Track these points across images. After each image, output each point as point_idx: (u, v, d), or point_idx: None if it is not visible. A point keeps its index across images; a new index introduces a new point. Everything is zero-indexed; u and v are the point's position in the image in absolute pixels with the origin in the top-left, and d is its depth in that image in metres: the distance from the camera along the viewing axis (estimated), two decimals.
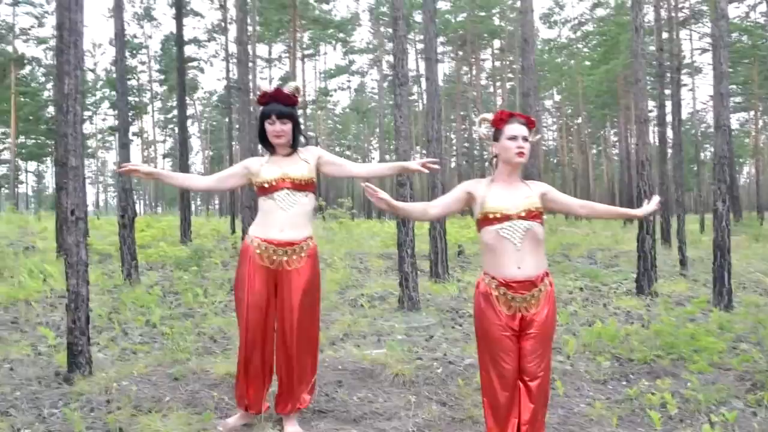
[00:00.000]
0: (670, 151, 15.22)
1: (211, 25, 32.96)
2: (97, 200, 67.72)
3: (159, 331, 6.09)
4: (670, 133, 14.77)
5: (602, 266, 11.94)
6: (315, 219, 3.81)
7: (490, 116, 3.19)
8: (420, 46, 37.38)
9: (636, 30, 8.26)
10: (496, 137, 3.10)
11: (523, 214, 2.97)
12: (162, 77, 43.38)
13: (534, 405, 3.07)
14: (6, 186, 45.66)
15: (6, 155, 45.25)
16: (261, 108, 3.66)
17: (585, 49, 37.76)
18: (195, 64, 36.49)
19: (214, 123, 56.83)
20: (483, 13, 37.52)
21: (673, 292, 8.68)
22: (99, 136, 57.12)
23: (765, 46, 30.07)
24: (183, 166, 14.76)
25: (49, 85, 36.88)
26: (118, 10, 8.58)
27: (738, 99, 39.69)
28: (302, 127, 3.81)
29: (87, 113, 47.03)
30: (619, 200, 36.09)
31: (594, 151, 53.23)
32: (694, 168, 37.96)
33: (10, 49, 35.59)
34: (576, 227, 23.16)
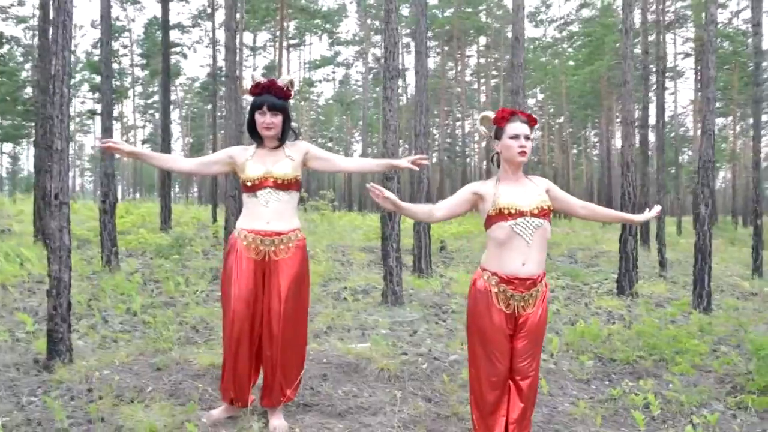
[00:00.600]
0: (649, 153, 15.38)
1: (196, 11, 32.50)
2: (73, 184, 66.79)
3: (140, 319, 6.01)
4: (651, 136, 14.94)
5: (583, 265, 12.04)
6: (297, 210, 3.75)
7: (492, 114, 3.17)
8: (406, 39, 37.32)
9: (626, 32, 8.30)
10: (497, 135, 3.08)
11: (536, 212, 2.97)
12: (144, 62, 42.76)
13: (524, 404, 3.08)
14: None
15: None
16: (253, 98, 3.60)
17: (569, 50, 37.97)
18: (178, 49, 35.99)
19: (195, 110, 56.21)
20: (470, 9, 37.52)
21: (653, 293, 8.77)
22: (77, 120, 56.21)
23: (745, 53, 30.45)
24: (165, 152, 14.56)
25: (28, 66, 36.13)
26: None
27: (718, 104, 40.27)
28: (293, 123, 3.75)
29: None
30: (597, 200, 36.38)
31: (574, 150, 53.62)
32: (672, 171, 38.45)
33: None
34: (556, 226, 23.32)
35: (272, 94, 3.54)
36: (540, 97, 51.17)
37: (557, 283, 9.29)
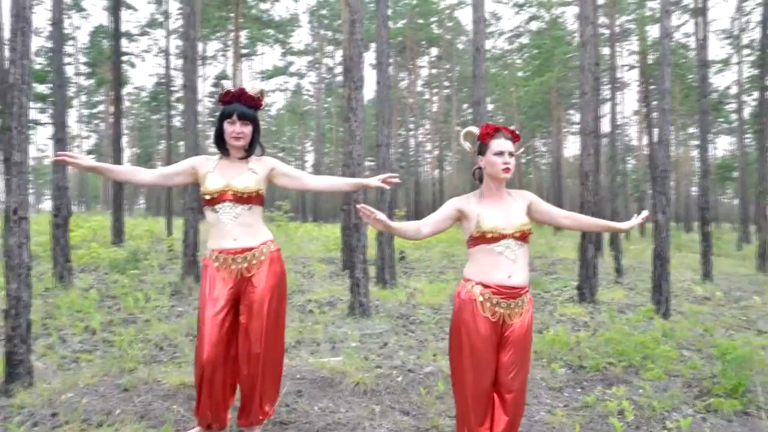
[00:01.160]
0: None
1: (144, 20, 31.83)
2: None
3: (100, 337, 5.78)
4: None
5: (541, 273, 12.21)
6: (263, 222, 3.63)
7: (476, 130, 3.16)
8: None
9: (583, 45, 8.50)
10: (481, 151, 3.07)
11: (517, 235, 2.97)
12: (89, 70, 41.58)
13: (508, 417, 3.06)
14: None
15: None
16: (222, 107, 3.49)
17: (518, 61, 38.72)
18: (125, 58, 35.14)
19: (143, 120, 54.96)
20: (422, 21, 37.87)
21: (613, 299, 8.95)
22: None
23: (686, 65, 31.68)
24: (116, 164, 14.11)
25: None
26: None
27: (657, 114, 41.69)
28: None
29: None
30: None
31: (523, 160, 54.69)
32: (617, 179, 39.54)
33: None
34: None
35: (242, 103, 3.43)
36: (490, 107, 52.02)
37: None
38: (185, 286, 8.38)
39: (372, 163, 29.00)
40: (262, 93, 3.55)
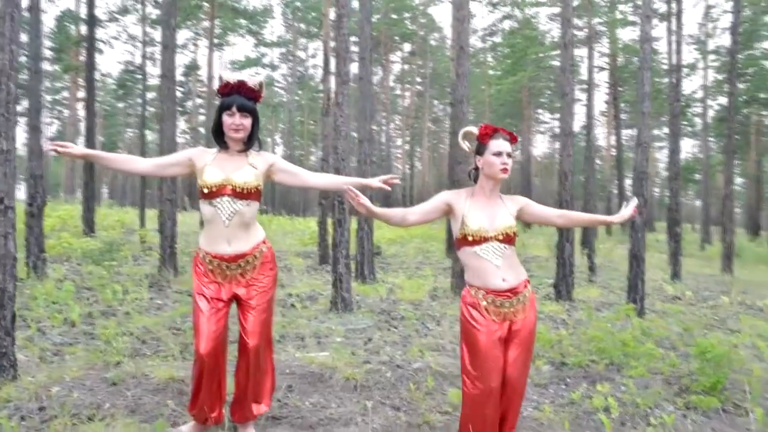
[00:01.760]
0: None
1: (115, 6, 31.17)
2: None
3: (81, 330, 5.67)
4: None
5: None
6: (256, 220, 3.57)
7: (475, 130, 3.19)
8: (333, 43, 37.21)
9: (565, 46, 8.62)
10: (479, 151, 3.11)
11: (500, 237, 3.02)
12: (54, 56, 40.54)
13: (512, 413, 3.14)
14: None
15: None
16: (221, 99, 3.44)
17: (490, 60, 39.01)
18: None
19: (108, 107, 53.85)
20: (395, 16, 37.86)
21: (588, 297, 9.11)
22: None
23: (653, 69, 32.27)
24: None
25: None
26: None
27: (624, 116, 42.45)
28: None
29: None
30: None
31: None
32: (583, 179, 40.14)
33: None
34: None
35: (242, 95, 3.38)
36: None
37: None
38: (163, 278, 8.26)
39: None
40: (261, 85, 3.50)
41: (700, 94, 33.24)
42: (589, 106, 15.29)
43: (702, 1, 30.81)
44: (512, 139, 3.15)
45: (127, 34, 32.39)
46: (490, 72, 37.84)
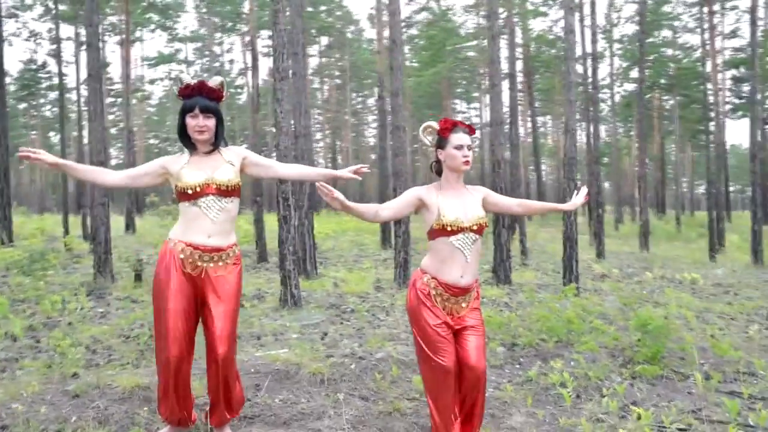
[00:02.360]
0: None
1: (13, 1, 29.32)
2: None
3: (25, 344, 5.42)
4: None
5: None
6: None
7: (435, 125, 3.31)
8: (248, 38, 36.56)
9: (493, 38, 8.89)
10: (440, 145, 3.23)
11: (474, 228, 3.16)
12: None
13: (481, 393, 3.27)
14: None
15: None
16: (183, 101, 3.41)
17: (407, 52, 39.46)
18: None
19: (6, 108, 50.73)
20: (311, 9, 37.61)
21: (525, 280, 9.48)
22: None
23: (564, 57, 33.55)
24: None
25: None
26: None
27: (538, 104, 44.06)
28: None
29: None
30: None
31: (410, 149, 55.87)
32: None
33: None
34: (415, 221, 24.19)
35: (204, 96, 3.36)
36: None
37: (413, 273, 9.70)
38: (100, 286, 7.97)
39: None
40: (222, 84, 3.49)
41: (607, 81, 34.91)
42: (513, 96, 15.79)
43: None
44: (471, 132, 3.28)
45: (28, 30, 30.49)
46: (407, 63, 38.27)
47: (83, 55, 34.82)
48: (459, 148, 3.16)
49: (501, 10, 23.07)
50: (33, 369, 4.69)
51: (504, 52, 33.03)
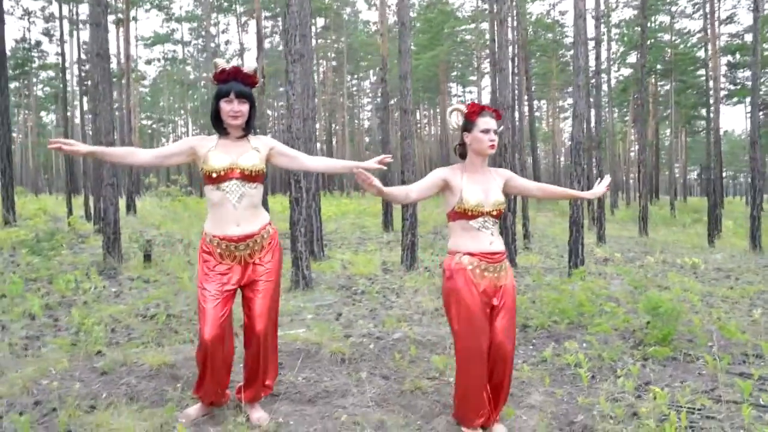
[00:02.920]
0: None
1: None
2: None
3: (43, 323, 5.47)
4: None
5: None
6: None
7: (463, 108, 3.37)
8: (244, 19, 36.40)
9: (501, 22, 8.91)
10: (467, 128, 3.30)
11: (494, 213, 3.25)
12: None
13: (507, 377, 3.37)
14: None
15: None
16: (218, 86, 3.45)
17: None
18: None
19: None
20: None
21: (530, 263, 9.58)
22: None
23: (562, 42, 33.64)
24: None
25: None
26: None
27: (534, 88, 44.08)
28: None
29: None
30: None
31: (398, 132, 55.82)
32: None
33: None
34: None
35: (239, 81, 3.41)
36: (374, 78, 52.44)
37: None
38: (110, 266, 8.01)
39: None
40: (256, 71, 3.54)
41: (604, 66, 34.94)
42: (521, 79, 15.80)
43: None
44: (497, 116, 3.35)
45: (22, 8, 30.17)
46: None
47: (77, 35, 34.47)
48: (486, 131, 3.22)
49: None
50: (56, 347, 4.75)
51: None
